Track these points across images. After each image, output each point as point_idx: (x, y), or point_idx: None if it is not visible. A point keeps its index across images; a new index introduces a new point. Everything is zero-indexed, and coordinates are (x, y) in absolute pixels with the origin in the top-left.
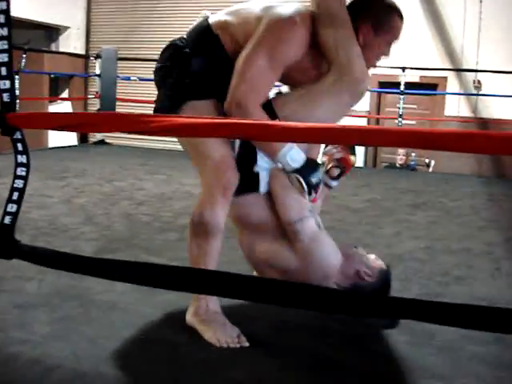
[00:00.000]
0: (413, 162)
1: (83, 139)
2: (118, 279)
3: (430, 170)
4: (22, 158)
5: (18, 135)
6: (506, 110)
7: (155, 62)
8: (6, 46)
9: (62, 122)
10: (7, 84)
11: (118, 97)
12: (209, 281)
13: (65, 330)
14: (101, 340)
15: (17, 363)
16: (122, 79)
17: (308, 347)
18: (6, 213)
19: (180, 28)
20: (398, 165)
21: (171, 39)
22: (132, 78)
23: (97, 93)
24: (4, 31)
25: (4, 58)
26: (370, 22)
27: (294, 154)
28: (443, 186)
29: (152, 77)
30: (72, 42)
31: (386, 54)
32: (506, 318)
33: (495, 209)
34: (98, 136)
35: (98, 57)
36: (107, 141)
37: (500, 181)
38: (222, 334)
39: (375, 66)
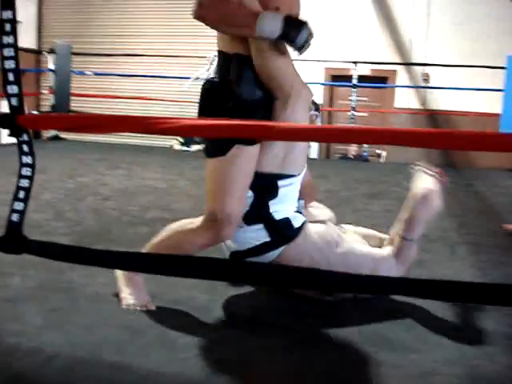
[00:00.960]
0: (365, 153)
1: (36, 135)
2: (127, 268)
3: (382, 160)
4: (27, 159)
5: (24, 137)
6: (454, 102)
7: (109, 56)
8: (12, 53)
9: (69, 124)
10: (15, 89)
11: (72, 92)
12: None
13: (57, 320)
14: (93, 328)
15: (17, 354)
16: (77, 74)
17: (285, 328)
18: (13, 211)
19: (134, 22)
20: (351, 156)
21: (125, 33)
22: (86, 73)
23: (50, 88)
24: (10, 39)
25: (11, 64)
26: None
27: (270, 23)
28: (396, 176)
29: (106, 71)
30: (24, 37)
31: None
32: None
33: (446, 196)
34: (52, 131)
35: (51, 52)
36: (62, 136)
37: (449, 169)
38: (133, 298)
39: None
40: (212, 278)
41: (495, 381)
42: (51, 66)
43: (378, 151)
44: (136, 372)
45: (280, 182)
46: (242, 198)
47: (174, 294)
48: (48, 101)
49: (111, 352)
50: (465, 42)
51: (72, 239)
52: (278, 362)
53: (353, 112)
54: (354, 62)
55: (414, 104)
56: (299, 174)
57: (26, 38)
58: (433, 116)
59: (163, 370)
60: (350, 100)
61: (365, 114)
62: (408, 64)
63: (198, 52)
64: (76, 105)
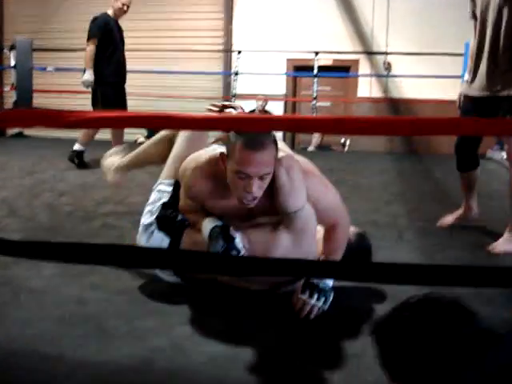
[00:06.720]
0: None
1: (0, 133)
2: (71, 260)
3: (346, 149)
4: None
5: None
6: (415, 90)
7: (71, 52)
8: None
9: None
10: None
11: (34, 88)
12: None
13: None
14: (31, 321)
15: None
16: (38, 70)
17: (224, 318)
18: None
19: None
20: (313, 146)
21: (85, 29)
22: (48, 69)
23: (12, 85)
24: None
25: None
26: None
27: (204, 227)
28: (356, 164)
29: (68, 66)
30: None
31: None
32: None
33: (402, 183)
34: (16, 129)
35: (12, 48)
36: (25, 133)
37: (410, 156)
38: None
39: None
40: (156, 267)
41: None
42: (12, 62)
43: (342, 140)
44: (68, 362)
45: None
46: None
47: (118, 284)
48: (11, 98)
49: (46, 344)
50: (425, 30)
51: (24, 235)
52: (214, 347)
53: (315, 102)
54: (315, 52)
55: (377, 93)
56: None
57: None
58: (395, 104)
59: (95, 359)
60: (312, 90)
61: (328, 104)
62: (369, 53)
63: (158, 46)
64: (39, 101)
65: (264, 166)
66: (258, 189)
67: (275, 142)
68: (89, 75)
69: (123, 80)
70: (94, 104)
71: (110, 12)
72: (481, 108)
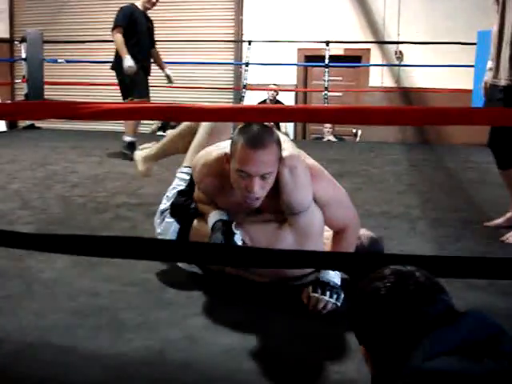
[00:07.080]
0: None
1: (12, 125)
2: (83, 253)
3: (358, 139)
4: None
5: None
6: (427, 80)
7: (81, 43)
8: None
9: None
10: None
11: (45, 80)
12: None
13: (10, 306)
14: (44, 313)
15: None
16: (49, 62)
17: (233, 307)
18: None
19: (105, 9)
20: (325, 136)
21: (95, 20)
22: (59, 61)
23: (24, 77)
24: None
25: None
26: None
27: (209, 220)
28: (368, 155)
29: (79, 58)
30: None
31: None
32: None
33: (415, 174)
34: (28, 121)
35: (22, 40)
36: (37, 125)
37: (422, 146)
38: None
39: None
40: (170, 260)
41: None
42: (23, 54)
43: (354, 130)
44: (80, 354)
45: None
46: None
47: (131, 275)
48: (22, 90)
49: (60, 336)
50: (437, 19)
51: (36, 227)
52: (228, 339)
53: (326, 92)
54: (326, 42)
55: (388, 82)
56: None
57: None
58: (406, 94)
59: (108, 350)
60: (324, 80)
61: (339, 94)
62: (381, 42)
63: (168, 36)
64: (51, 93)
65: (264, 166)
66: (259, 189)
67: (278, 142)
68: (129, 61)
69: (146, 72)
70: (125, 95)
71: (139, 3)
72: (506, 97)
